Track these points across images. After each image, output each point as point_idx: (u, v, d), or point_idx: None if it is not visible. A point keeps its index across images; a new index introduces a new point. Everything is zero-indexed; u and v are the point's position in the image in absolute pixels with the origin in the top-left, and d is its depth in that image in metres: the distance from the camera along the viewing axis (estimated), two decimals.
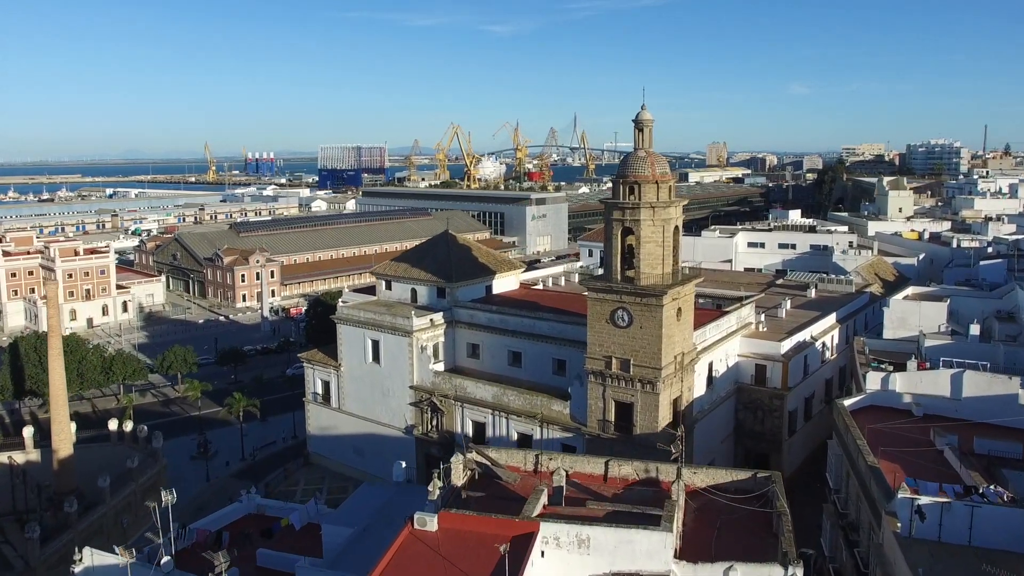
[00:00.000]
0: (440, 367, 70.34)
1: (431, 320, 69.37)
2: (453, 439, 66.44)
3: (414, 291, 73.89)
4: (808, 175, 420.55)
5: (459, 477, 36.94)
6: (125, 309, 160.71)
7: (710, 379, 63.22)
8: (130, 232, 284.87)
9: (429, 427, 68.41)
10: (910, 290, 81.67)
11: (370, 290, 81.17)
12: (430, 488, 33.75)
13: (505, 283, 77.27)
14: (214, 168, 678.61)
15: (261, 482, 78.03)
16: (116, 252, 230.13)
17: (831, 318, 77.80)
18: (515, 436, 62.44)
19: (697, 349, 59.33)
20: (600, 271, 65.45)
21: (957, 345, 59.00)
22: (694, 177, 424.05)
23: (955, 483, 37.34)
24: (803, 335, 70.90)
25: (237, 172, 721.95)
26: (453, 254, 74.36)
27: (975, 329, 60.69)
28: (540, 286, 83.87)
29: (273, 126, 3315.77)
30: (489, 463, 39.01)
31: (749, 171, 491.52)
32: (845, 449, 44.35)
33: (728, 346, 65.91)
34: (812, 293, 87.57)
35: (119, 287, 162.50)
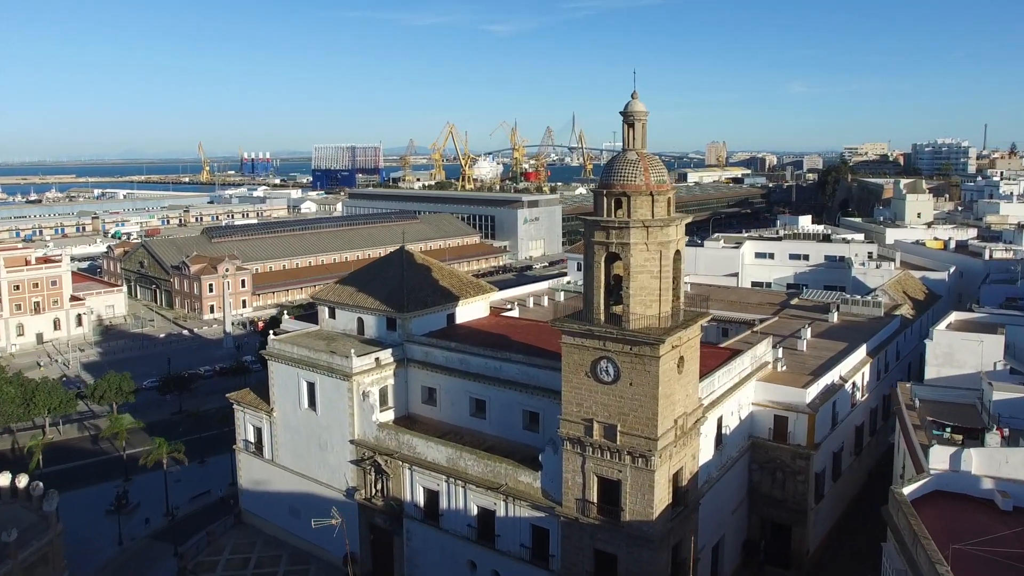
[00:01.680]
0: (390, 415, 57.65)
1: (376, 359, 56.54)
2: (401, 508, 53.88)
3: (360, 321, 61.12)
4: (808, 175, 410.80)
5: None
6: (80, 323, 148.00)
7: (719, 438, 50.42)
8: (110, 235, 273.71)
9: (373, 491, 55.69)
10: (952, 316, 69.03)
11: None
12: None
13: (472, 310, 64.31)
14: (208, 168, 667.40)
15: (180, 547, 65.35)
16: (90, 258, 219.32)
17: (861, 351, 65.05)
18: (474, 510, 49.72)
19: (703, 406, 46.56)
20: None
21: None
22: (693, 177, 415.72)
23: None
24: (831, 376, 58.11)
25: (232, 172, 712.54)
26: (408, 276, 61.37)
27: None
28: (515, 311, 71.09)
29: (270, 126, 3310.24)
30: None
31: (749, 171, 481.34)
32: (915, 570, 31.65)
33: (741, 394, 53.20)
34: (835, 318, 74.97)
35: (75, 298, 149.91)
